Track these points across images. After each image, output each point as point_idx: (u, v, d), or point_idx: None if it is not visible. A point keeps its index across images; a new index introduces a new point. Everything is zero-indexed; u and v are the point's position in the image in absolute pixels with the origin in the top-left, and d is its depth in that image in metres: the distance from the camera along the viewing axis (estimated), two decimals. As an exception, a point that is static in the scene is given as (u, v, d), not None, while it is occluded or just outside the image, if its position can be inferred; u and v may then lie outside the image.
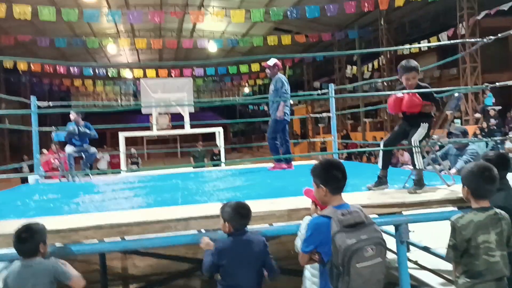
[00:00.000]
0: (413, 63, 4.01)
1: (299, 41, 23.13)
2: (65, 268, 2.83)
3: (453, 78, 21.65)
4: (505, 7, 15.66)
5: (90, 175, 7.38)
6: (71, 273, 2.83)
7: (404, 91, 4.02)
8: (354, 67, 26.50)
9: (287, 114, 6.51)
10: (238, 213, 2.91)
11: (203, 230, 3.48)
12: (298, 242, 2.75)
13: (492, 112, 15.79)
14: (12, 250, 2.82)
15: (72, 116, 7.27)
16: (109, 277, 5.69)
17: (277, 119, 6.35)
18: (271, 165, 6.80)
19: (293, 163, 6.83)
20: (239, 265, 2.85)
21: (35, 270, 2.76)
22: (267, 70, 6.63)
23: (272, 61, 6.55)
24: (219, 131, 13.02)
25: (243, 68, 28.33)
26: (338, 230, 2.36)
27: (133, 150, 17.58)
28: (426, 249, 5.20)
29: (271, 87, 6.52)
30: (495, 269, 2.62)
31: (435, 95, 4.03)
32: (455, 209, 3.57)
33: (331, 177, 2.59)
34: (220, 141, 13.11)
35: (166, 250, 6.19)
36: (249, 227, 3.28)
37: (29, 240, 2.76)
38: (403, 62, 4.04)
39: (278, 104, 6.33)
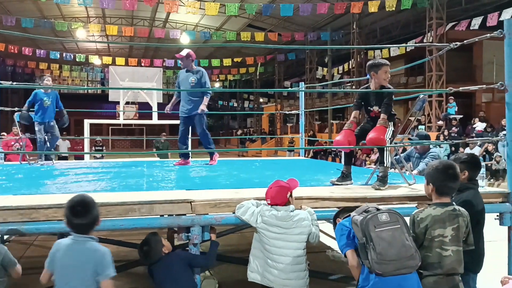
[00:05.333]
0: (378, 60, 4.17)
1: (272, 39, 23.23)
2: (11, 254, 2.78)
3: (419, 86, 22.26)
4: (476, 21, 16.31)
5: (53, 160, 7.18)
6: (15, 261, 2.78)
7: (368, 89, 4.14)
8: (325, 69, 26.82)
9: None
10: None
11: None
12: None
13: (454, 122, 16.51)
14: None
15: (48, 81, 6.80)
16: (67, 262, 5.56)
17: (201, 113, 6.13)
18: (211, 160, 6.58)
19: (261, 158, 6.81)
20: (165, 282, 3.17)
21: None
22: (180, 61, 6.25)
23: (185, 52, 6.12)
24: (187, 124, 12.90)
25: (215, 62, 28.20)
26: (354, 215, 2.77)
27: (98, 138, 17.22)
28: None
29: (192, 79, 6.10)
30: (446, 263, 2.70)
31: (392, 98, 4.14)
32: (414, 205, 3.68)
33: None
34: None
35: (127, 238, 6.11)
36: (214, 214, 3.32)
37: None
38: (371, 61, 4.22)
39: (202, 98, 6.11)
